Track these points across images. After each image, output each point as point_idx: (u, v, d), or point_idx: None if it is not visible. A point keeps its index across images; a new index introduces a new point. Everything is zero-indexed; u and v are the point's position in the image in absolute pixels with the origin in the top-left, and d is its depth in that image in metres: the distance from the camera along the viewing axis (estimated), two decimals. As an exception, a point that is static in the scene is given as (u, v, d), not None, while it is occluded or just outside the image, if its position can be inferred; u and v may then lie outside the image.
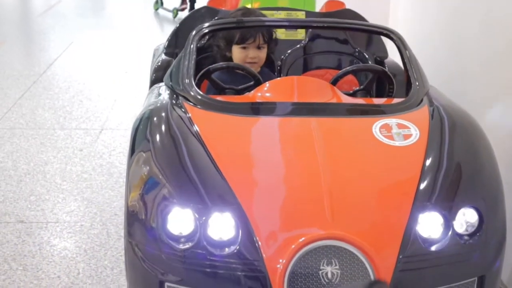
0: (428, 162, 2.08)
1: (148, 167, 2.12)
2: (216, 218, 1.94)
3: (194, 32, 2.73)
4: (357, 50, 3.36)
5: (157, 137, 2.21)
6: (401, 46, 2.67)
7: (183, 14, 8.67)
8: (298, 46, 3.36)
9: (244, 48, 2.92)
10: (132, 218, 2.07)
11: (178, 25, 3.52)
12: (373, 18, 3.52)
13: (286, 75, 3.26)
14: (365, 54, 3.32)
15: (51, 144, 4.40)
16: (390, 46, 3.00)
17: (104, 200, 3.62)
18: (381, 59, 3.31)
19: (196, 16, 3.48)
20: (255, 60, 2.93)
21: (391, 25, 4.70)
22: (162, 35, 7.96)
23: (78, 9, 9.41)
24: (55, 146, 4.36)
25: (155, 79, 3.21)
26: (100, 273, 2.93)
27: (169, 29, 8.53)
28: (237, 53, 2.94)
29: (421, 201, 1.97)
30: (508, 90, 2.80)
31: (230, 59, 2.99)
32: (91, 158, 4.18)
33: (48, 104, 5.19)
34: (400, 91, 2.72)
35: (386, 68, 3.18)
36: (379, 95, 3.04)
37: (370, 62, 3.27)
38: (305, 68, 3.35)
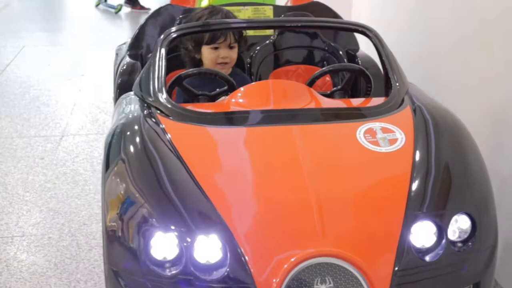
0: (416, 168, 2.01)
1: (124, 185, 2.00)
2: (202, 240, 1.84)
3: (162, 37, 2.57)
4: (328, 44, 3.29)
5: (132, 153, 2.08)
6: (378, 44, 2.59)
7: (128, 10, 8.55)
8: (268, 42, 3.26)
9: (215, 48, 2.81)
10: (112, 243, 1.94)
11: (140, 24, 3.40)
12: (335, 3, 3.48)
13: (257, 73, 3.18)
14: (336, 47, 3.26)
15: (10, 153, 4.21)
16: (361, 38, 2.92)
17: (71, 209, 3.48)
18: (353, 52, 3.24)
19: (160, 15, 3.36)
20: (227, 60, 2.83)
21: (355, 9, 4.67)
22: (114, 31, 7.80)
23: (26, 12, 9.13)
24: (14, 156, 4.18)
25: (121, 84, 3.06)
26: (74, 287, 2.80)
27: (119, 25, 8.54)
28: (208, 54, 2.83)
29: (412, 211, 1.91)
30: (480, 74, 2.77)
31: (199, 61, 2.88)
32: (53, 167, 4.01)
33: (4, 112, 4.99)
34: (376, 86, 2.66)
35: (359, 61, 3.13)
36: (354, 91, 2.97)
37: (342, 56, 3.21)
38: (276, 65, 3.27)
